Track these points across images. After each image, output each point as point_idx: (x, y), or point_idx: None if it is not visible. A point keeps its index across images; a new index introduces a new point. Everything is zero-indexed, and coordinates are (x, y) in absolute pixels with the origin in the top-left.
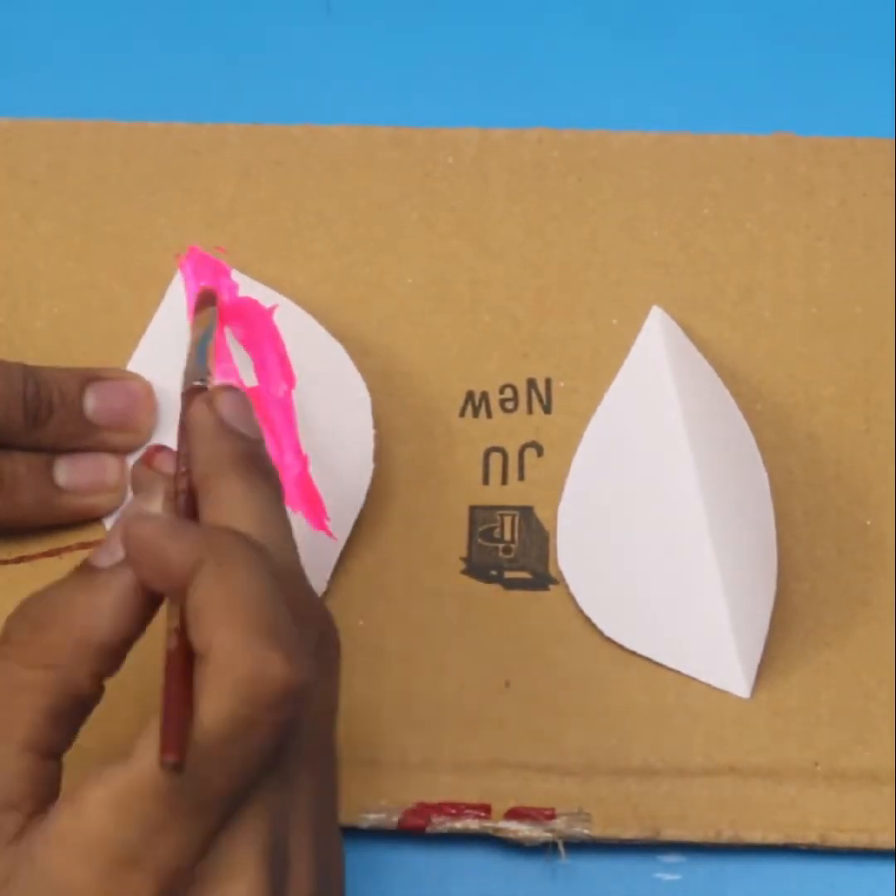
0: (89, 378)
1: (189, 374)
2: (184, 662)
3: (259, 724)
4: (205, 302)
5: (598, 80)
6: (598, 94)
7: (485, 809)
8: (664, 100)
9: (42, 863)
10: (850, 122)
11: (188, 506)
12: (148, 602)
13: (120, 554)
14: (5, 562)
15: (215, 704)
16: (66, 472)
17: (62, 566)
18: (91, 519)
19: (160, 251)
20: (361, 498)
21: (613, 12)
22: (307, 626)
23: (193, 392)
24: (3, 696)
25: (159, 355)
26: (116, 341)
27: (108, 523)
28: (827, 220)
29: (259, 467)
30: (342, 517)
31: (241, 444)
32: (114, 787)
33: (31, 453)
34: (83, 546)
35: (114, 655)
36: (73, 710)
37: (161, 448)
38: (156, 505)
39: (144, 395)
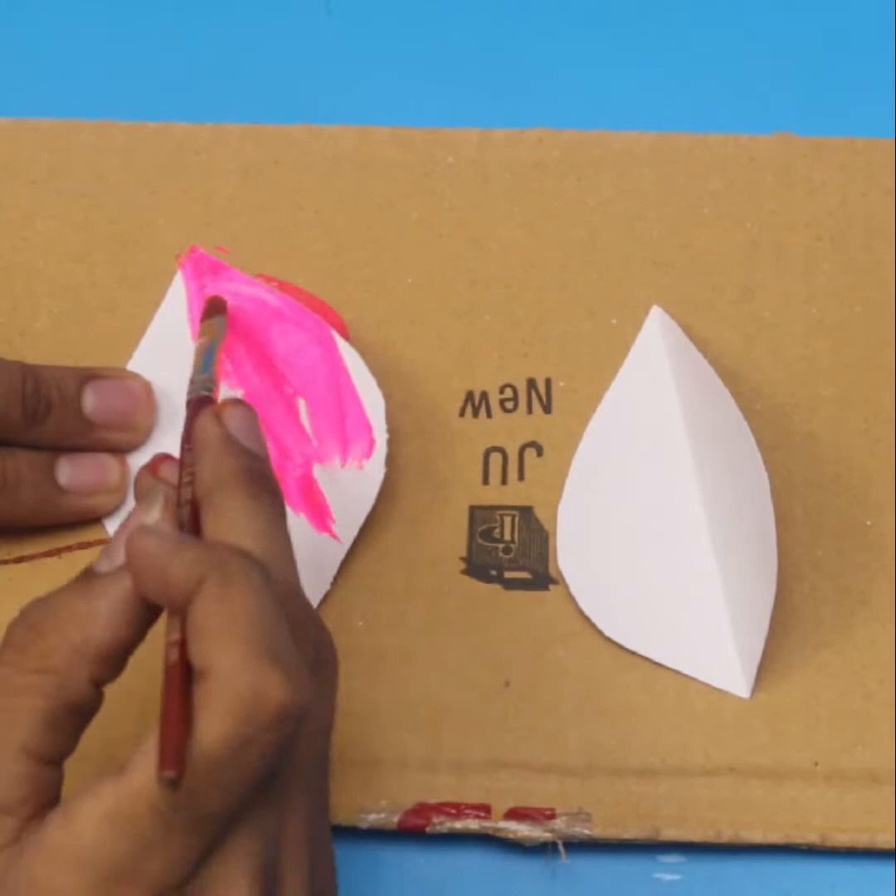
0: (88, 376)
1: (194, 383)
2: (183, 676)
3: (256, 744)
4: (213, 310)
5: (598, 80)
6: (598, 94)
7: (485, 809)
8: (664, 100)
9: (33, 872)
10: (850, 122)
11: (191, 518)
12: (147, 609)
13: (120, 560)
14: (5, 562)
15: (214, 723)
16: (69, 471)
17: (62, 566)
18: (91, 519)
19: (160, 251)
20: (371, 502)
21: (613, 12)
22: (305, 645)
23: (198, 402)
24: (1, 700)
25: (159, 355)
26: (116, 341)
27: (109, 523)
28: (827, 220)
29: (263, 484)
30: (349, 520)
31: (247, 460)
32: (107, 802)
33: (33, 452)
34: (83, 546)
35: (112, 661)
36: (71, 715)
37: (167, 457)
38: (155, 515)
39: (143, 394)
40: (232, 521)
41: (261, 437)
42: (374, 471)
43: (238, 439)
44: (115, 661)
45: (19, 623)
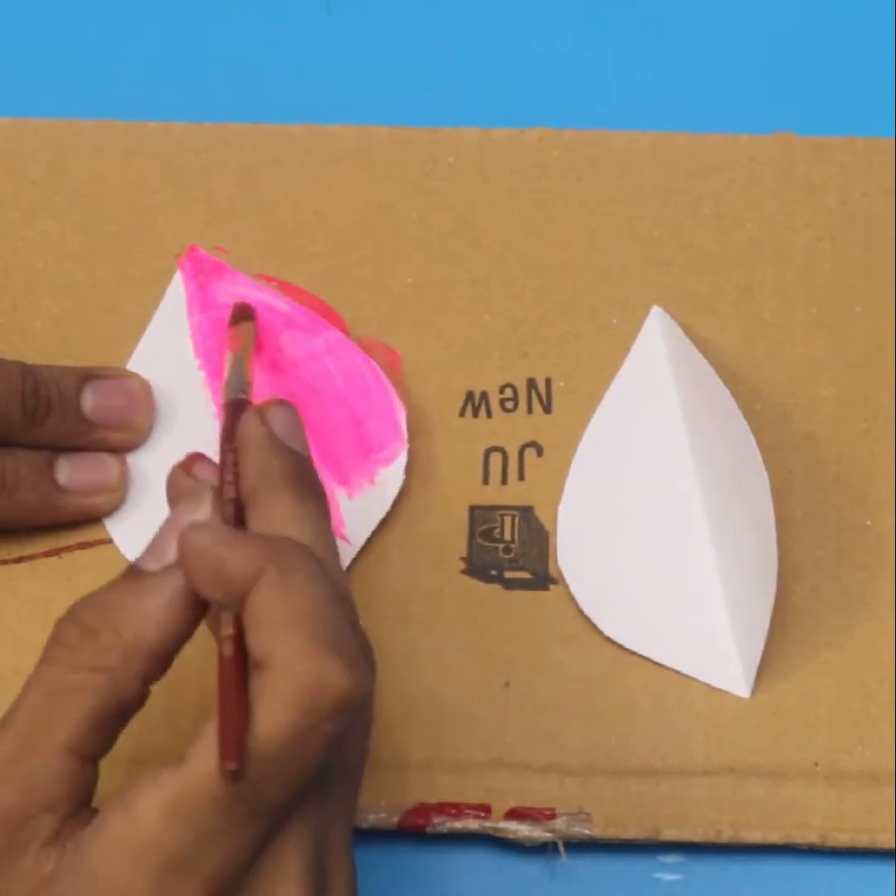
0: (88, 376)
1: (229, 386)
2: (240, 670)
3: (317, 734)
4: (242, 316)
5: (598, 80)
6: (598, 94)
7: (485, 809)
8: (664, 100)
9: (92, 865)
10: (850, 122)
11: (236, 517)
12: (197, 606)
13: (168, 557)
14: (5, 562)
15: (276, 713)
16: (68, 471)
17: (62, 566)
18: (91, 519)
19: (160, 251)
20: (387, 506)
21: (613, 12)
22: (359, 639)
23: (235, 404)
24: (48, 698)
25: (159, 355)
26: (116, 341)
27: (109, 523)
28: (827, 220)
29: (310, 485)
30: (362, 523)
31: (292, 461)
32: (168, 792)
33: (33, 452)
34: (83, 546)
35: (162, 660)
36: (118, 714)
37: (200, 456)
38: (203, 513)
39: (143, 393)
40: (280, 519)
41: (304, 436)
42: (391, 478)
43: (283, 439)
44: (165, 659)
45: (69, 621)
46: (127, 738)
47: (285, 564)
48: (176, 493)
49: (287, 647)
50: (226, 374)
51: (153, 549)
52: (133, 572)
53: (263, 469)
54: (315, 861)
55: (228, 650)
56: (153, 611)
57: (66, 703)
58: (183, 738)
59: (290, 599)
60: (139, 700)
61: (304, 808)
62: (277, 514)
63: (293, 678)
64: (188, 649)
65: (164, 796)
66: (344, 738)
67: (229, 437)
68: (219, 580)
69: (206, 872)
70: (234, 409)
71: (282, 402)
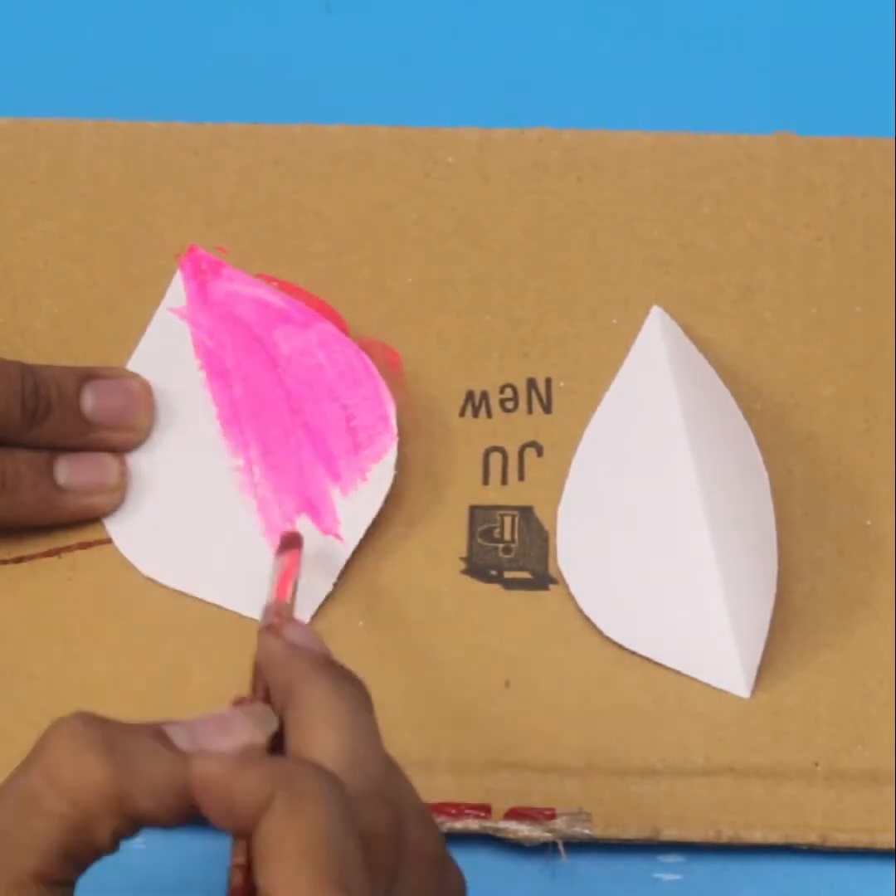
0: (87, 376)
1: (270, 610)
2: None
3: None
4: (291, 543)
5: (598, 80)
6: (598, 94)
7: (485, 809)
8: (664, 100)
9: None
10: (850, 122)
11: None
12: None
13: (200, 742)
14: (5, 562)
15: None
16: (67, 471)
17: (62, 566)
18: (91, 519)
19: (160, 251)
20: (379, 503)
21: (613, 12)
22: (383, 852)
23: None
24: (20, 813)
25: (159, 355)
26: (116, 341)
27: (108, 523)
28: (827, 220)
29: (343, 673)
30: (356, 521)
31: (320, 655)
32: None
33: (32, 452)
34: (83, 546)
35: (136, 827)
36: (88, 855)
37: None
38: (261, 738)
39: (142, 393)
40: (317, 708)
41: (323, 643)
42: (383, 474)
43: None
44: (137, 827)
45: (73, 736)
46: None
47: (295, 789)
48: (269, 662)
49: (291, 886)
50: (267, 595)
51: (193, 727)
52: (160, 736)
53: (291, 667)
54: None
55: (237, 879)
56: (154, 784)
57: (38, 828)
58: None
59: (298, 831)
60: (109, 849)
61: None
62: (315, 703)
63: None
64: None
65: None
66: None
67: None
68: (229, 810)
69: None
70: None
71: (292, 619)
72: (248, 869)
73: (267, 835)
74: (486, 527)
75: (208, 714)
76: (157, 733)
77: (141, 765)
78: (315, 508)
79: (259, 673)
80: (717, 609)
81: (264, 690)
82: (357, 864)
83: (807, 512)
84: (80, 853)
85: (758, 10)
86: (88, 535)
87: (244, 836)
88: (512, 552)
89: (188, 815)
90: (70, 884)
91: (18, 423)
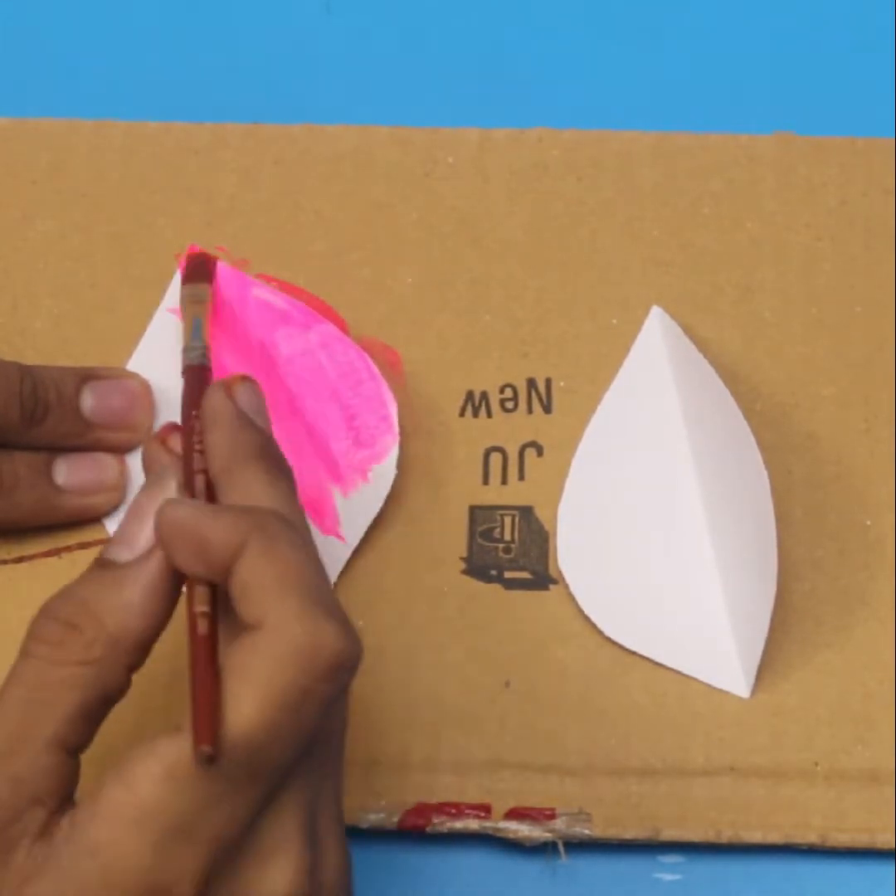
0: (86, 376)
1: (187, 352)
2: (214, 649)
3: (315, 694)
4: (196, 274)
5: (598, 80)
6: (598, 94)
7: (485, 809)
8: (664, 100)
9: (92, 838)
10: (850, 122)
11: (207, 488)
12: (175, 592)
13: (139, 547)
14: (5, 562)
15: (275, 675)
16: (66, 471)
17: (62, 566)
18: (90, 519)
19: (160, 251)
20: (381, 503)
21: (613, 12)
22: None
23: (196, 371)
24: (32, 693)
25: (158, 355)
26: (116, 341)
27: (108, 523)
28: (827, 220)
29: (279, 463)
30: (357, 521)
31: (261, 439)
32: (167, 760)
33: (31, 453)
34: (83, 546)
35: (145, 649)
36: (104, 705)
37: (176, 427)
38: (170, 490)
39: (142, 393)
40: (254, 497)
41: (266, 413)
42: (384, 474)
43: (249, 415)
44: (147, 648)
45: (48, 618)
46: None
47: (268, 533)
48: (148, 464)
49: (282, 610)
50: (184, 338)
51: (121, 538)
52: (105, 564)
53: (234, 446)
54: (310, 822)
55: (203, 628)
56: (134, 601)
57: (52, 699)
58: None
59: (280, 565)
60: (123, 690)
61: (298, 772)
62: (252, 492)
63: (291, 640)
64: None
65: (162, 764)
66: (337, 701)
67: (193, 404)
68: (201, 553)
69: (208, 836)
70: (195, 376)
71: (245, 378)
72: (212, 617)
73: (247, 572)
74: (486, 527)
75: (126, 518)
76: (104, 566)
77: (112, 599)
78: (316, 508)
79: (196, 414)
80: (717, 609)
81: (200, 435)
82: (334, 595)
83: (807, 512)
84: (97, 708)
85: (758, 10)
86: (88, 535)
87: (216, 579)
88: (512, 552)
89: (172, 610)
90: (78, 755)
91: (17, 424)
